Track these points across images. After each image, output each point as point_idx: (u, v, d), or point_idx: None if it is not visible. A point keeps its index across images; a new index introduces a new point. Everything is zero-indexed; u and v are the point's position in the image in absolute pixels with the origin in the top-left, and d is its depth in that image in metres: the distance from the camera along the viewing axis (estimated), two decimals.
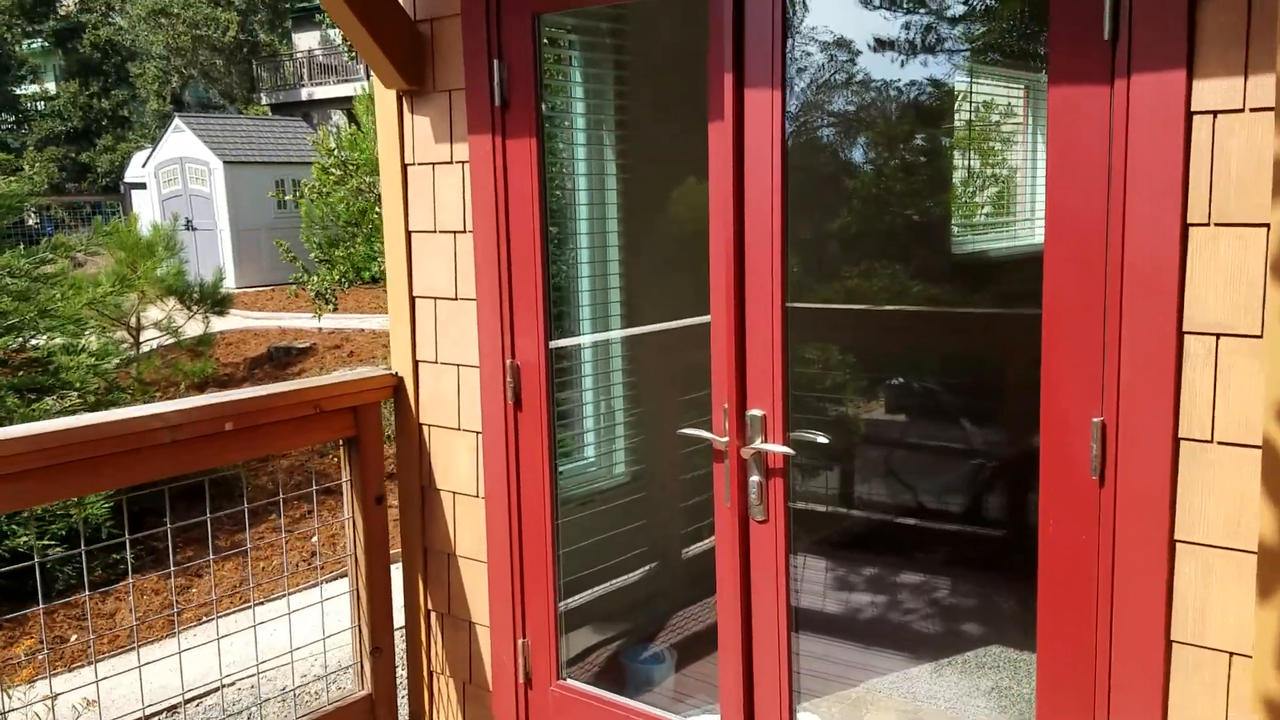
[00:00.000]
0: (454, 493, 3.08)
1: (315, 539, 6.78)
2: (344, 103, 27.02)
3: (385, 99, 3.07)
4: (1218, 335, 1.82)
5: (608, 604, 3.68)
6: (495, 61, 2.79)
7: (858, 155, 6.20)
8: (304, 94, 29.02)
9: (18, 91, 32.05)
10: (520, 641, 2.96)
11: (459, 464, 3.05)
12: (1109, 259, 1.92)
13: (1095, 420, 1.96)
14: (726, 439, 2.44)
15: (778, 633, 2.46)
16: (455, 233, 2.97)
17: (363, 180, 6.25)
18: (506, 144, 2.81)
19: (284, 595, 5.55)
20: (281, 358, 12.52)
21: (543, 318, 2.81)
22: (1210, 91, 1.79)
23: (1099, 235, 1.93)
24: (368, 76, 26.05)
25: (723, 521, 2.50)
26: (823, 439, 2.40)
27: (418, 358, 3.11)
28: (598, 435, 3.78)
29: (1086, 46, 1.90)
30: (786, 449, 2.35)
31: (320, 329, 13.64)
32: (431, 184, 3.00)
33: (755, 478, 2.40)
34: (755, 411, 2.39)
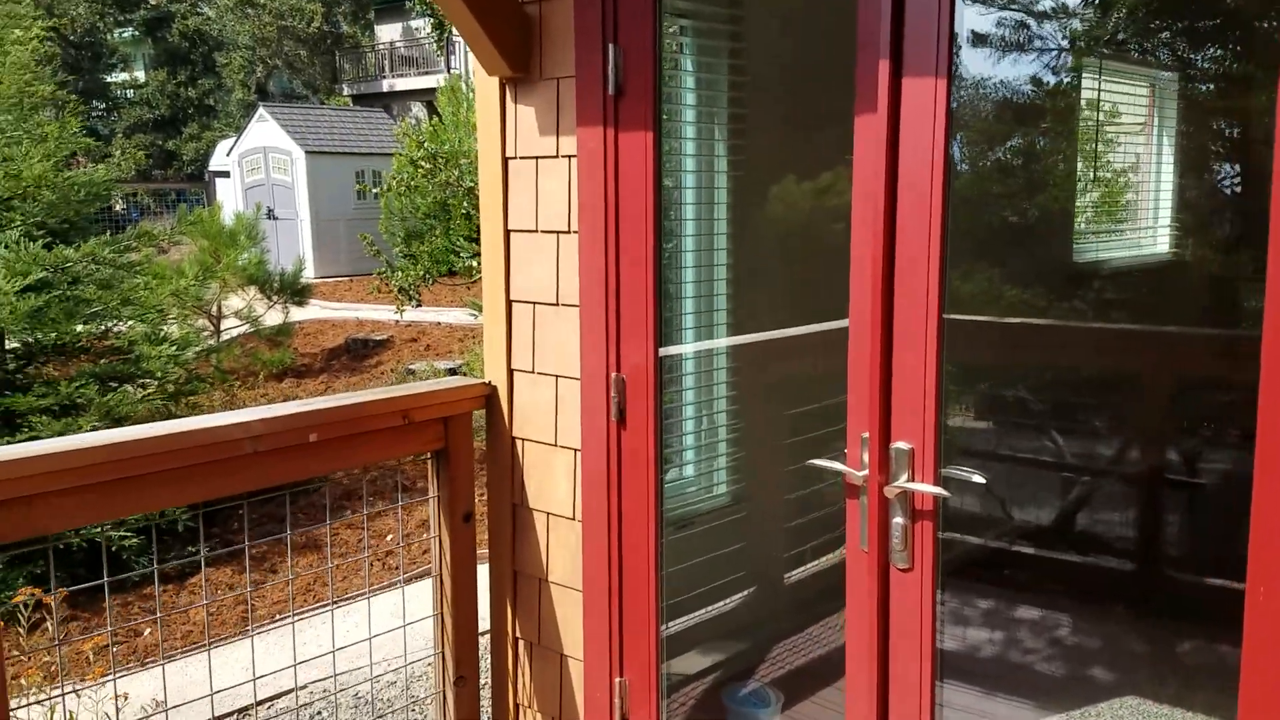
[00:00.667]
0: (548, 513, 2.85)
1: (396, 541, 6.64)
2: (424, 95, 27.15)
3: (487, 88, 2.84)
4: None
5: (704, 632, 3.43)
6: (610, 46, 2.54)
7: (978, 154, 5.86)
8: (384, 85, 29.23)
9: (108, 79, 32.82)
10: (617, 680, 2.71)
11: (554, 483, 2.82)
12: None
13: None
14: (865, 474, 2.16)
15: (920, 689, 2.17)
16: (558, 233, 2.73)
17: (451, 174, 6.07)
18: (619, 136, 2.56)
19: (362, 595, 5.41)
20: (359, 349, 12.49)
21: (652, 329, 2.56)
22: None
23: None
24: (448, 69, 26.13)
25: (857, 566, 2.22)
26: (979, 478, 2.10)
27: (513, 366, 2.88)
28: (698, 452, 3.52)
29: None
30: (939, 490, 2.06)
31: (397, 321, 13.60)
32: (534, 180, 2.77)
33: (899, 520, 2.12)
34: (901, 444, 2.11)
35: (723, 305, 3.41)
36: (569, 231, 2.70)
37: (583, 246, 2.65)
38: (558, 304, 2.75)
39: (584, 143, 2.62)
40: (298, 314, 12.87)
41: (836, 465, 2.22)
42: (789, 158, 3.45)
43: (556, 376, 2.77)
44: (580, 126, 2.62)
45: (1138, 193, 6.29)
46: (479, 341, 11.82)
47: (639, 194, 2.54)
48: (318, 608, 5.55)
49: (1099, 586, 3.97)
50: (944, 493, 2.05)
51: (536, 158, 2.76)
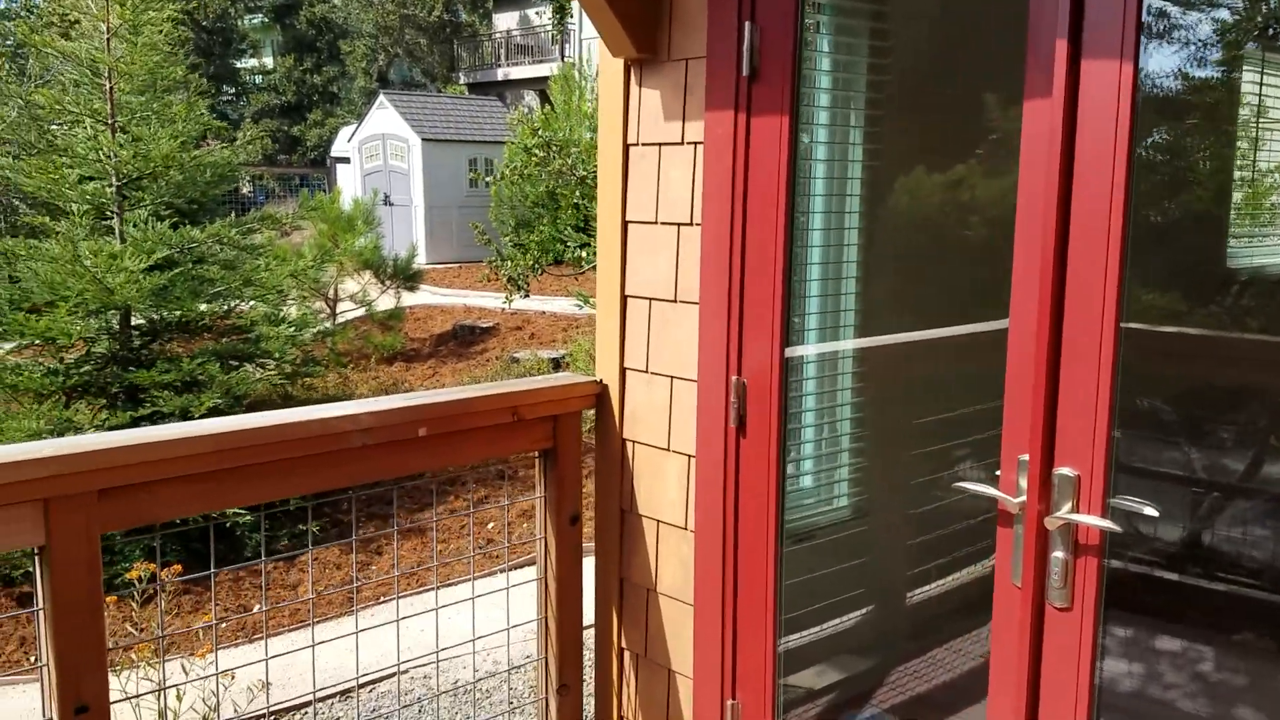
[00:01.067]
0: (658, 521, 2.69)
1: (499, 530, 6.59)
2: (537, 83, 27.30)
3: (611, 70, 2.69)
4: None
5: (820, 651, 3.23)
6: (746, 24, 2.35)
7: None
8: (499, 74, 29.52)
9: (238, 65, 33.92)
10: (730, 703, 2.54)
11: (666, 489, 2.66)
12: None
13: None
14: (1022, 500, 1.93)
15: None
16: (680, 225, 2.56)
17: (564, 161, 5.97)
18: (751, 122, 2.38)
19: (466, 580, 5.35)
20: (466, 335, 12.57)
21: (779, 331, 2.37)
22: None
23: None
24: (562, 57, 26.22)
25: (1007, 600, 2.00)
26: (1151, 510, 1.86)
27: (625, 365, 2.73)
28: (817, 462, 3.31)
29: None
30: (1108, 524, 1.83)
31: (504, 309, 13.66)
32: (656, 167, 2.60)
33: (1059, 554, 1.89)
34: (1065, 470, 1.88)
35: (851, 305, 3.20)
36: (691, 224, 2.53)
37: (706, 239, 2.48)
38: (675, 300, 2.58)
39: (712, 128, 2.44)
40: (409, 299, 13.02)
41: (989, 490, 2.00)
42: (930, 151, 3.21)
43: (671, 377, 2.61)
44: (709, 111, 2.44)
45: None
46: (583, 332, 11.78)
47: (770, 184, 2.35)
48: (424, 589, 5.52)
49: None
50: (1114, 527, 1.82)
51: (660, 144, 2.59)
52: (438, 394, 2.60)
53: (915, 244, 3.51)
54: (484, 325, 12.83)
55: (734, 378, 2.44)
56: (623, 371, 2.73)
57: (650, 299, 2.64)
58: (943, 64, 3.25)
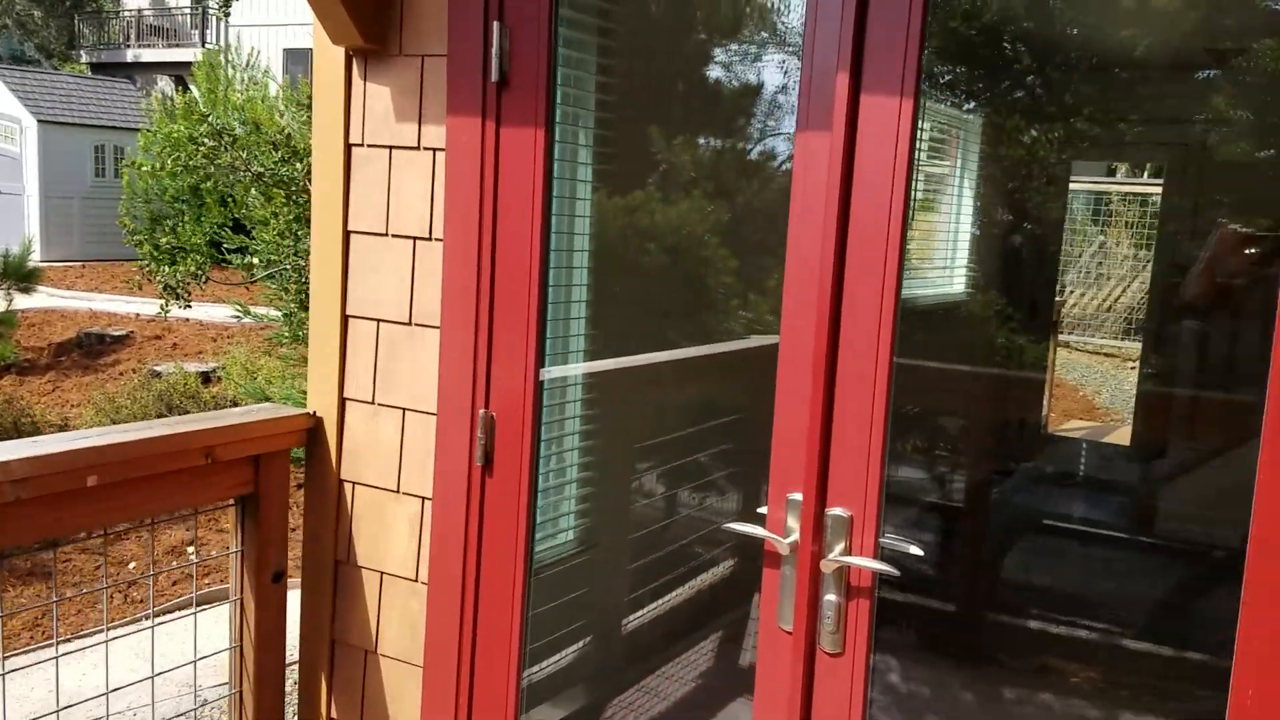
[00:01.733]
0: (382, 573, 2.40)
1: (147, 568, 5.81)
2: (174, 68, 25.02)
3: (329, 59, 2.37)
4: None
5: (545, 690, 3.06)
6: (495, 24, 2.14)
7: None
8: (129, 55, 26.78)
9: None
10: None
11: (393, 537, 2.37)
12: None
13: None
14: (793, 541, 1.87)
15: None
16: (416, 239, 2.29)
17: (239, 155, 5.34)
18: (502, 131, 2.17)
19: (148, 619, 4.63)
20: (93, 344, 11.15)
21: (532, 357, 2.17)
22: None
23: None
24: (203, 43, 24.21)
25: (775, 645, 1.93)
26: (916, 549, 1.86)
27: (346, 395, 2.41)
28: (545, 494, 3.14)
29: None
30: (884, 566, 1.80)
31: (138, 315, 12.30)
32: (386, 173, 2.32)
33: (832, 597, 1.84)
34: (839, 510, 1.84)
35: (580, 330, 3.06)
36: (430, 238, 2.27)
37: (449, 257, 2.23)
38: (411, 324, 2.31)
39: (457, 136, 2.20)
40: (23, 301, 11.35)
41: (758, 531, 1.92)
42: (662, 169, 3.14)
43: (404, 410, 2.33)
44: (453, 116, 2.21)
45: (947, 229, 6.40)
46: (235, 343, 10.81)
47: (524, 199, 2.16)
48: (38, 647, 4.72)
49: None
50: (891, 570, 1.79)
51: (390, 147, 2.31)
52: (112, 432, 2.14)
53: (670, 262, 3.47)
54: (115, 333, 11.45)
55: (481, 411, 2.21)
56: (342, 403, 2.41)
57: (379, 320, 2.35)
58: (678, 80, 3.21)
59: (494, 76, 2.15)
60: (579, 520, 3.21)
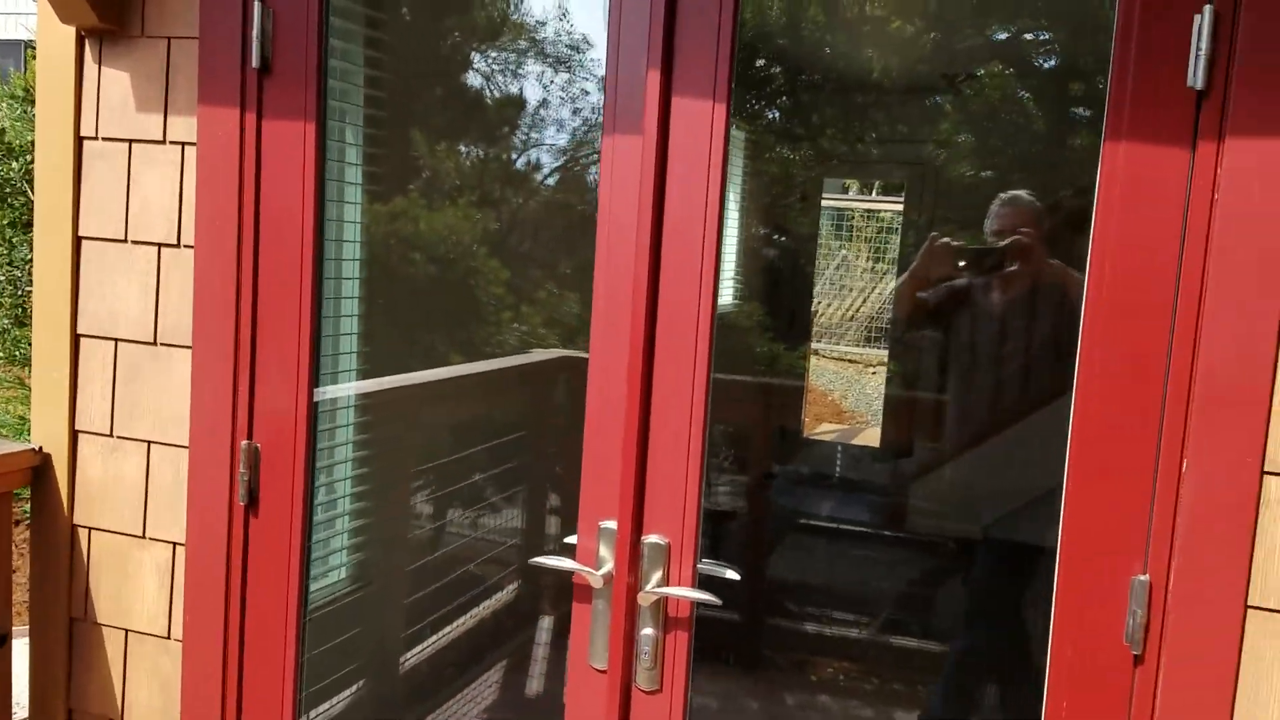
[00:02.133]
0: (127, 630, 2.08)
1: None
2: None
3: (56, 41, 2.04)
4: None
5: None
6: (255, 4, 1.90)
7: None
8: None
9: None
10: None
11: (139, 589, 2.06)
12: (1171, 371, 1.50)
13: (1138, 579, 1.53)
14: (605, 573, 1.74)
15: None
16: (162, 245, 2.00)
17: None
18: (264, 124, 1.92)
19: None
20: None
21: (305, 380, 1.94)
22: None
23: (1160, 338, 1.51)
24: None
25: (587, 685, 1.79)
26: (733, 574, 1.77)
27: (78, 427, 2.08)
28: (316, 529, 2.86)
29: (1168, 93, 1.48)
30: (706, 596, 1.70)
31: None
32: (126, 171, 2.02)
33: (649, 631, 1.72)
34: (655, 538, 1.72)
35: (352, 347, 2.81)
36: (179, 245, 1.99)
37: (201, 266, 1.96)
38: (156, 343, 2.01)
39: (210, 129, 1.94)
40: None
41: (567, 564, 1.78)
42: (431, 175, 2.95)
43: (150, 443, 2.03)
44: (205, 106, 1.93)
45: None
46: None
47: (292, 199, 1.92)
48: None
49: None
50: (713, 599, 1.69)
51: (131, 141, 2.01)
52: None
53: (444, 273, 3.26)
54: None
55: (243, 441, 1.95)
56: (74, 436, 2.07)
57: (117, 340, 2.03)
58: (451, 84, 3.02)
59: (254, 62, 1.91)
60: (353, 554, 2.96)
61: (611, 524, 1.74)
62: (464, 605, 4.01)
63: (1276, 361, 1.44)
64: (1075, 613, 1.57)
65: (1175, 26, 1.46)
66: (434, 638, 3.74)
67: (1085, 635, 1.56)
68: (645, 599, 1.71)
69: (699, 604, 1.72)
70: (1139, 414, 1.52)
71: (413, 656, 3.55)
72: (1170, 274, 1.49)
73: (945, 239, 3.39)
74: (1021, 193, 3.35)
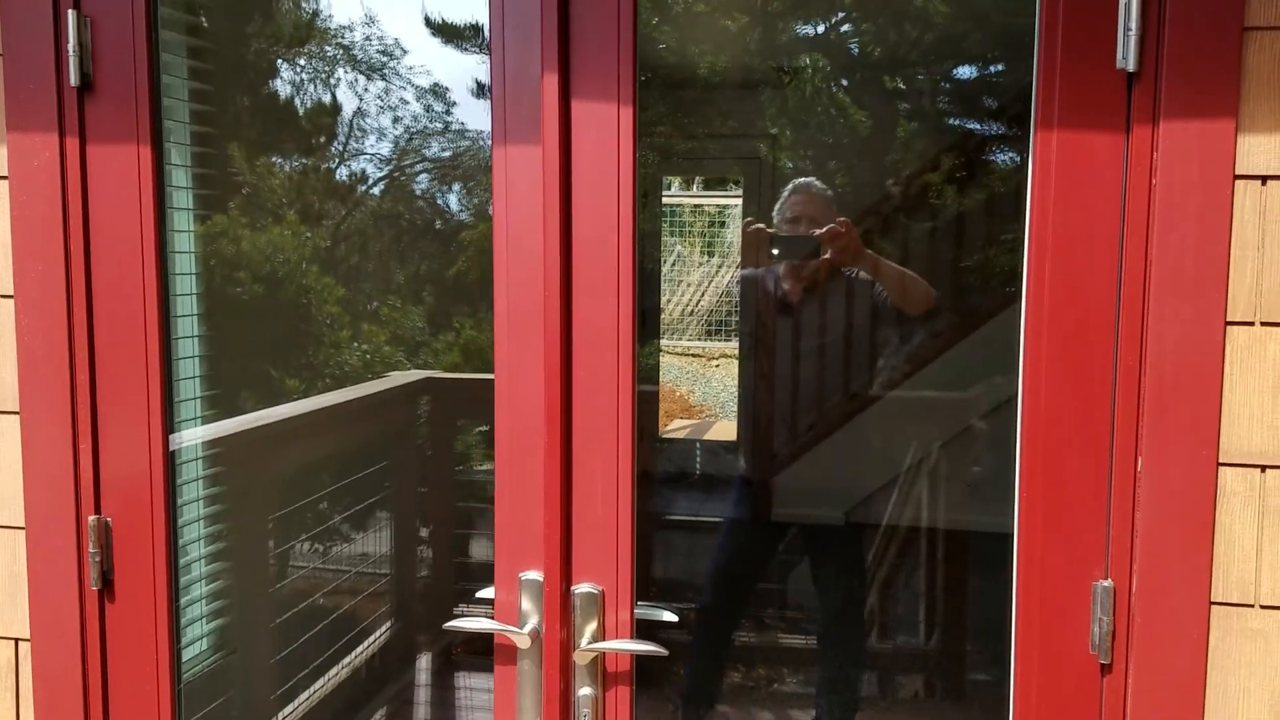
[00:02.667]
0: None
1: None
2: None
3: None
4: (1263, 467, 1.42)
5: None
6: (70, 13, 1.63)
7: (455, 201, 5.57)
8: None
9: None
10: None
11: None
12: (1120, 371, 1.44)
13: (1101, 584, 1.46)
14: (531, 630, 1.56)
15: None
16: None
17: None
18: (89, 149, 1.66)
19: None
20: None
21: (159, 436, 1.68)
22: (1261, 150, 1.38)
23: (1105, 338, 1.44)
24: None
25: None
26: (669, 615, 1.63)
27: None
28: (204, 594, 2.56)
29: (1098, 77, 1.41)
30: (651, 646, 1.54)
31: None
32: None
33: (587, 691, 1.56)
34: (587, 587, 1.56)
35: (195, 391, 2.52)
36: None
37: (23, 317, 1.67)
38: None
39: (23, 158, 1.65)
40: None
41: (486, 624, 1.59)
42: (259, 190, 2.68)
43: None
44: (16, 132, 1.65)
45: None
46: None
47: (128, 232, 1.66)
48: None
49: None
50: (659, 650, 1.54)
51: None
52: None
53: (291, 299, 3.02)
54: None
55: (91, 517, 1.67)
56: None
57: None
58: (284, 97, 2.77)
59: (73, 79, 1.63)
60: (214, 619, 2.67)
61: (534, 575, 1.57)
62: (338, 653, 3.74)
63: (1224, 349, 1.40)
64: (1038, 625, 1.49)
65: (1102, 4, 1.40)
66: (310, 691, 3.47)
67: (1051, 648, 1.49)
68: (582, 657, 1.54)
69: (640, 658, 1.57)
70: (1089, 414, 1.45)
71: (288, 717, 3.27)
72: (1111, 266, 1.43)
73: (759, 224, 3.39)
74: (812, 180, 3.39)
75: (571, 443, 1.54)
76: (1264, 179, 1.38)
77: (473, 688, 3.93)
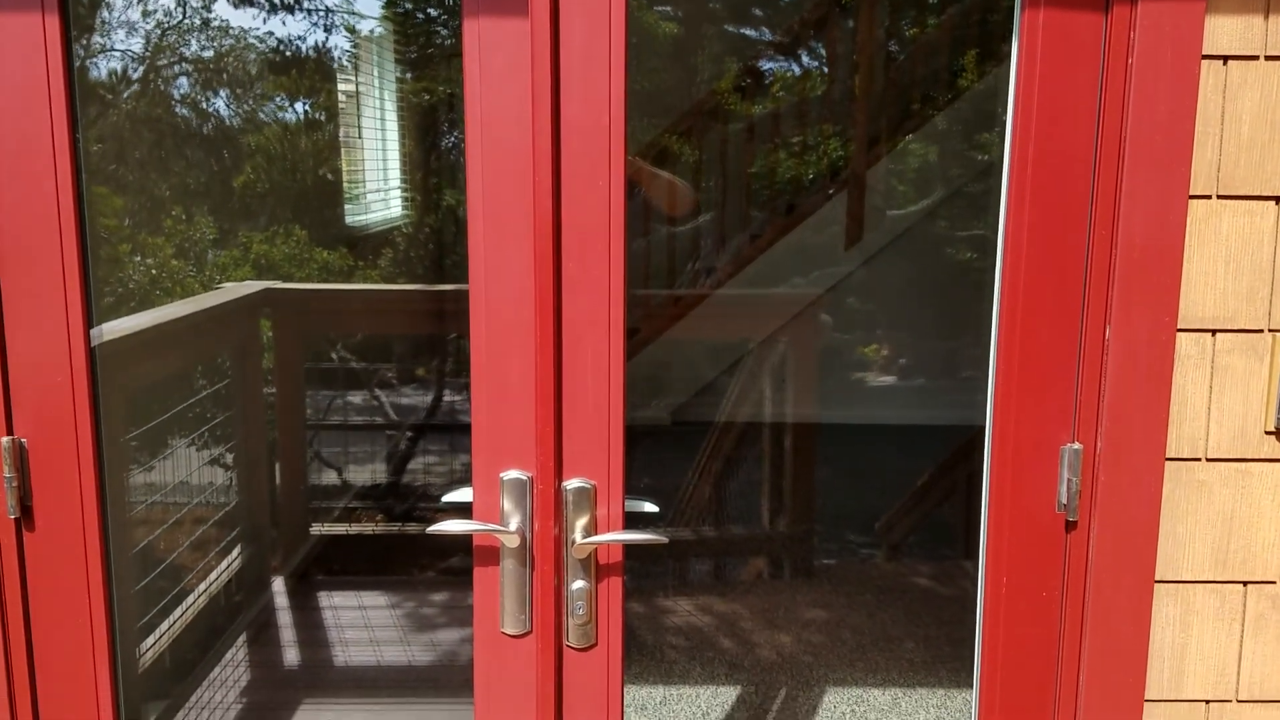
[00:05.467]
0: None
1: None
2: None
3: None
4: (1214, 331, 1.54)
5: None
6: None
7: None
8: None
9: None
10: None
11: None
12: (1093, 243, 1.51)
13: (1069, 447, 1.55)
14: (516, 528, 1.51)
15: None
16: None
17: None
18: None
19: None
20: None
21: (79, 328, 1.49)
22: (1224, 32, 1.46)
23: (1080, 212, 1.51)
24: None
25: (501, 654, 1.56)
26: (651, 506, 1.61)
27: None
28: None
29: None
30: (648, 535, 1.51)
31: None
32: None
33: (581, 584, 1.52)
34: (579, 482, 1.51)
35: None
36: None
37: None
38: None
39: None
40: None
41: (472, 525, 1.52)
42: None
43: None
44: None
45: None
46: None
47: (31, 99, 1.43)
48: None
49: None
50: (658, 539, 1.52)
51: None
52: None
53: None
54: None
55: (4, 439, 1.47)
56: None
57: None
58: None
59: None
60: None
61: (514, 474, 1.51)
62: (193, 582, 3.53)
63: (1186, 220, 1.49)
64: (1010, 488, 1.57)
65: None
66: (169, 622, 3.26)
67: (1021, 510, 1.58)
68: (580, 551, 1.50)
69: (629, 548, 1.54)
70: (1063, 285, 1.52)
71: (149, 650, 3.07)
72: (1088, 143, 1.48)
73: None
74: None
75: (562, 337, 1.47)
76: (1225, 59, 1.46)
77: (337, 606, 3.81)
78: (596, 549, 1.52)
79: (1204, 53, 1.46)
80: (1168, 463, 1.55)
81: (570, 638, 1.54)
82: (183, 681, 3.14)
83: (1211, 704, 1.61)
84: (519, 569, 1.52)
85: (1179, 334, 1.53)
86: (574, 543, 1.50)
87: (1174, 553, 1.58)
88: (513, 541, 1.51)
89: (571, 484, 1.51)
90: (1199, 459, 1.56)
